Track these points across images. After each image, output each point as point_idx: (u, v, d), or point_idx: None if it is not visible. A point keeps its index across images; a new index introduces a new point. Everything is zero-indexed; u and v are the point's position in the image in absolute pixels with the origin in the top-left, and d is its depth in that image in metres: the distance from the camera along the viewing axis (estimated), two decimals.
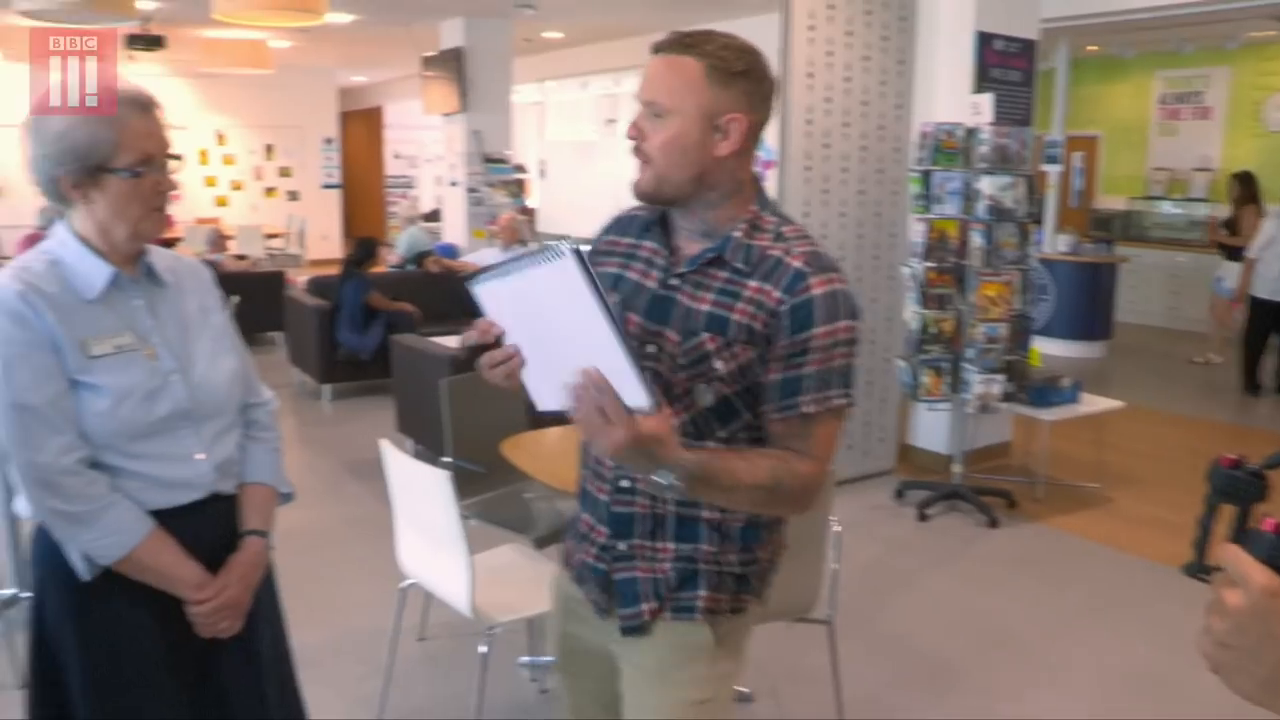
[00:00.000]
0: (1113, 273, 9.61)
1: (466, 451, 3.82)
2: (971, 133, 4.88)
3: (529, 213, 11.74)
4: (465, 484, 3.72)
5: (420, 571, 3.06)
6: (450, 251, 10.14)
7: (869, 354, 5.40)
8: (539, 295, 1.47)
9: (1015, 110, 5.49)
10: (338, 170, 17.58)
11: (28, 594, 3.89)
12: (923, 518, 5.05)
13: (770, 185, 9.00)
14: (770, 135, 1.91)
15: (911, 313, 4.95)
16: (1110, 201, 12.57)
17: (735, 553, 1.72)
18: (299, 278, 9.18)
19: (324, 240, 16.66)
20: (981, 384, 4.80)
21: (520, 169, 11.81)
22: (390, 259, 10.71)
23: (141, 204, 1.78)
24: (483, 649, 2.87)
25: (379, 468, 3.12)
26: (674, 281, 1.67)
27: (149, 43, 9.79)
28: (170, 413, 1.80)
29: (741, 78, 1.62)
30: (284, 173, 16.88)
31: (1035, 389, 5.18)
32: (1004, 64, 5.54)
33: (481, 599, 2.87)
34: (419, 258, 10.25)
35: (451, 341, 5.88)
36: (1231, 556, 0.84)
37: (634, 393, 1.41)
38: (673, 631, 1.72)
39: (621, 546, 1.73)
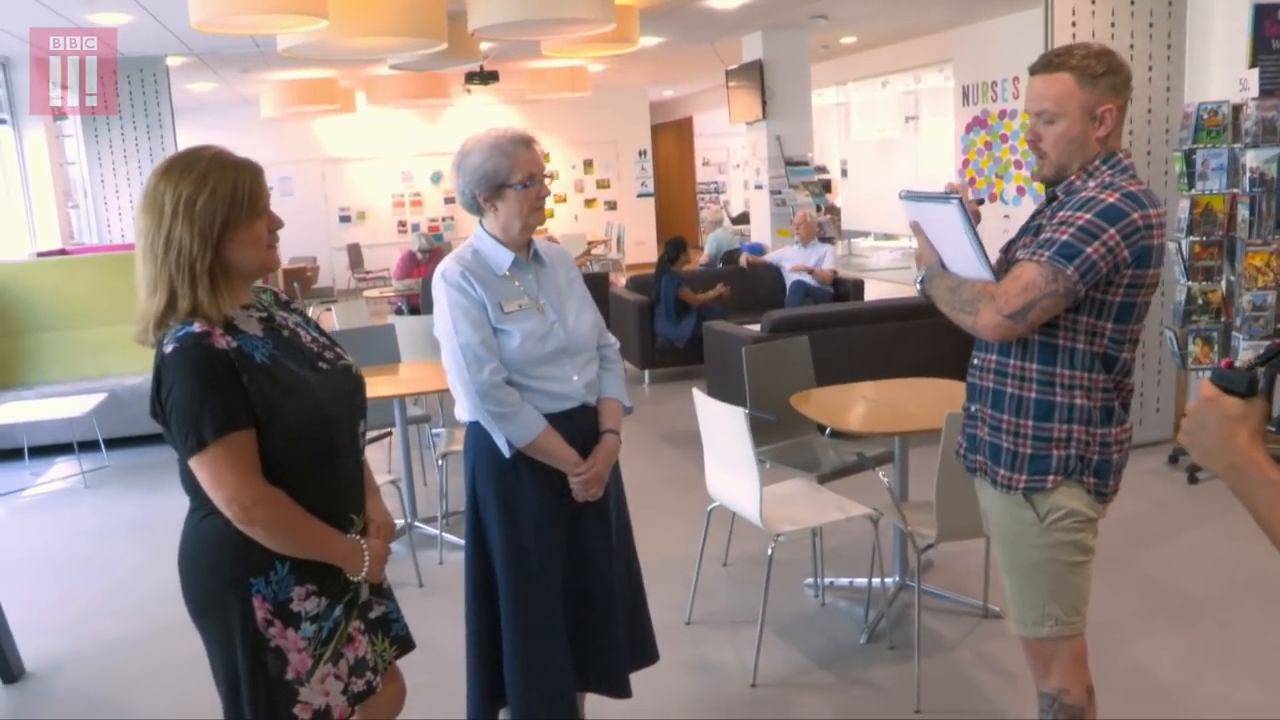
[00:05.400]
0: None
1: (763, 406, 4.58)
2: (1237, 109, 5.09)
3: (834, 211, 12.28)
4: (763, 433, 4.52)
5: (722, 492, 3.85)
6: (757, 250, 10.97)
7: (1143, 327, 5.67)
8: (934, 214, 2.35)
9: None
10: (651, 179, 18.91)
11: (418, 523, 5.03)
12: (1193, 480, 5.29)
13: None
14: None
15: (1178, 285, 5.23)
16: None
17: (1030, 428, 2.30)
18: (619, 279, 10.29)
19: (639, 246, 18.01)
20: (1249, 350, 5.01)
21: (821, 170, 12.44)
22: (700, 259, 11.68)
23: (529, 206, 2.69)
24: (769, 551, 3.62)
25: (690, 437, 3.93)
26: (1038, 221, 2.35)
27: (484, 78, 11.23)
28: (555, 349, 2.69)
29: (1104, 76, 2.24)
30: (602, 185, 18.43)
31: None
32: None
33: (769, 514, 3.62)
34: (726, 256, 11.16)
35: (755, 328, 6.67)
36: (1201, 381, 1.42)
37: (985, 273, 2.27)
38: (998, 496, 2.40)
39: (971, 408, 2.48)
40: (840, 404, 4.24)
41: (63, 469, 6.96)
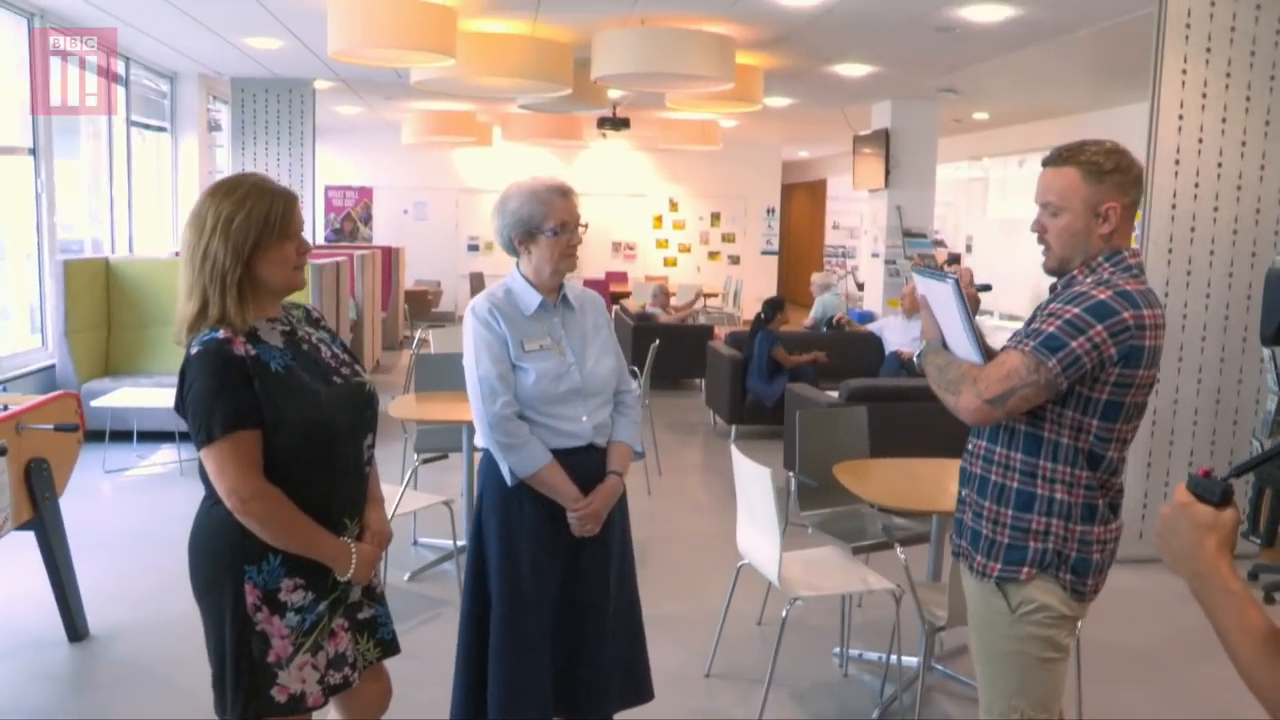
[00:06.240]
0: None
1: (814, 472, 4.60)
2: None
3: None
4: (813, 499, 4.55)
5: (748, 549, 3.89)
6: (864, 318, 10.93)
7: (1231, 434, 5.50)
8: (936, 291, 2.43)
9: None
10: (777, 238, 18.99)
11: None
12: (1269, 600, 5.07)
13: None
14: None
15: (1271, 395, 5.06)
16: None
17: (1009, 518, 2.32)
18: (721, 333, 10.39)
19: (758, 303, 18.01)
20: None
21: (939, 244, 12.33)
22: (805, 322, 11.69)
23: (559, 252, 2.82)
24: (783, 613, 3.64)
25: None
26: (1038, 314, 2.37)
27: (616, 124, 11.58)
28: (568, 390, 2.81)
29: (1111, 174, 2.27)
30: (727, 238, 18.58)
31: None
32: None
33: (792, 576, 3.65)
34: (829, 322, 11.15)
35: (835, 394, 6.69)
36: (1177, 486, 1.42)
37: (974, 356, 2.34)
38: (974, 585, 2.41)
39: (962, 493, 2.50)
40: (883, 476, 4.24)
41: (165, 455, 7.39)
